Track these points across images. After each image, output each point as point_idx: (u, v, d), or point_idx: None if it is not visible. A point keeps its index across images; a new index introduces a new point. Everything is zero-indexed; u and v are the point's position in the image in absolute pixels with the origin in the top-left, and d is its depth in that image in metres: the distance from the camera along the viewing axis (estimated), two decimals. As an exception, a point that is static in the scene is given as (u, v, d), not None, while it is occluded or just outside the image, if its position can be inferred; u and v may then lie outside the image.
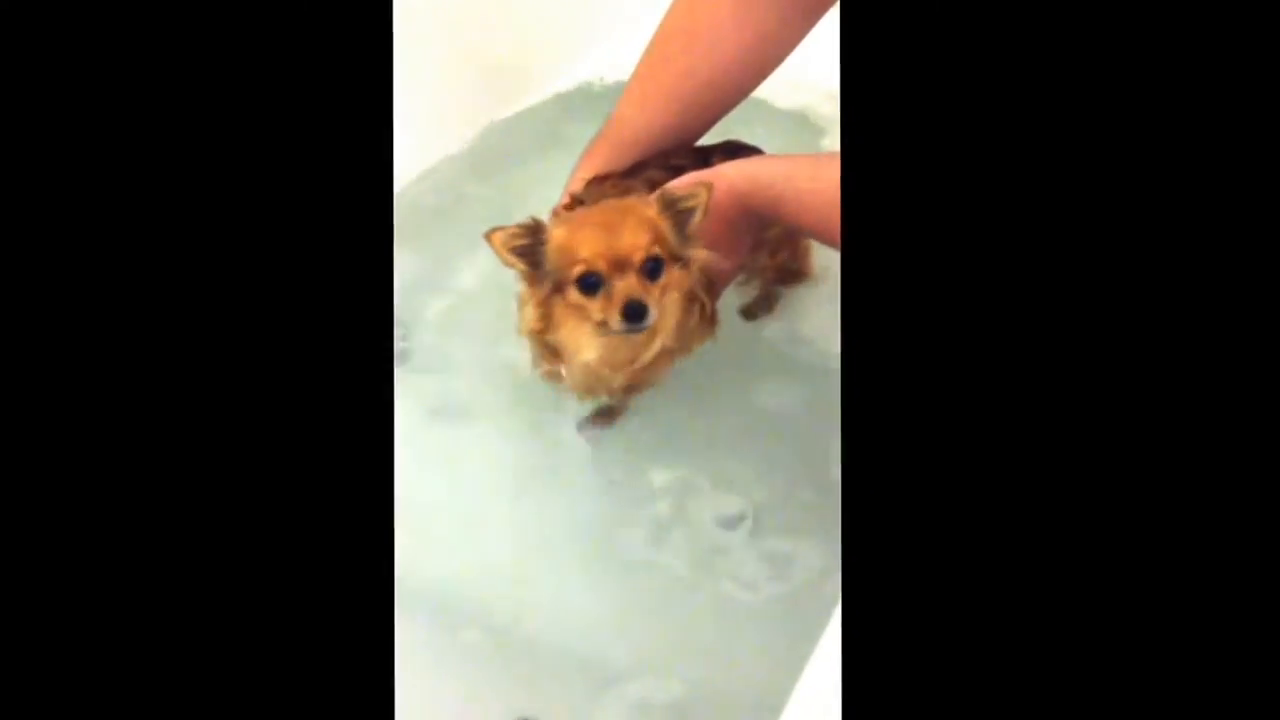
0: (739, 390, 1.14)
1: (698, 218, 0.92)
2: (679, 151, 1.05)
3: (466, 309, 1.26)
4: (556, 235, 0.92)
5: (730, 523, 1.03)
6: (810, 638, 0.63)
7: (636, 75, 1.05)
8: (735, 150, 1.07)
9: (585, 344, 0.96)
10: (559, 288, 0.92)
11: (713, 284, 1.01)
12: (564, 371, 1.04)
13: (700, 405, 1.13)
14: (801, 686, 0.61)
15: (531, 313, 0.96)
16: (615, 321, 0.89)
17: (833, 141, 1.46)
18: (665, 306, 0.93)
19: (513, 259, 0.92)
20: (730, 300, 1.15)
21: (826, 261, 1.20)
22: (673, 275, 0.93)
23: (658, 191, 0.94)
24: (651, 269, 0.90)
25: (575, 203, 1.01)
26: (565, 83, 1.64)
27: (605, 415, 1.13)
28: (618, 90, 1.06)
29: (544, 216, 0.95)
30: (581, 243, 0.90)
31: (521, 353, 1.07)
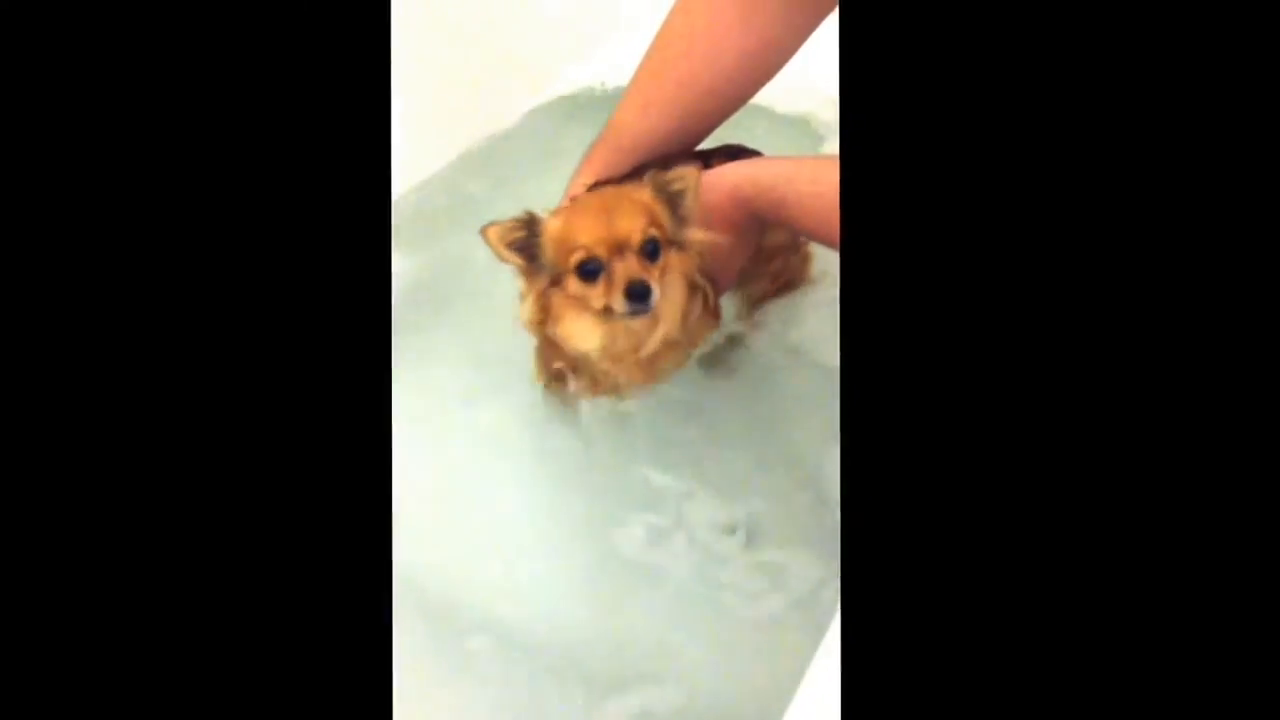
0: (739, 397, 1.14)
1: (689, 199, 0.93)
2: (679, 156, 1.05)
3: (466, 310, 1.26)
4: (552, 226, 0.92)
5: (730, 531, 1.02)
6: (810, 646, 0.63)
7: (636, 80, 1.05)
8: (735, 154, 1.07)
9: (586, 334, 0.96)
10: (556, 280, 0.93)
11: (714, 280, 1.01)
12: (569, 375, 1.04)
13: (700, 412, 1.12)
14: (802, 694, 0.61)
15: (530, 306, 0.96)
16: (619, 304, 0.89)
17: (833, 147, 1.46)
18: (666, 290, 0.93)
19: (509, 254, 0.92)
20: (730, 301, 1.14)
21: (825, 266, 1.20)
22: (671, 258, 0.93)
23: (648, 174, 0.94)
24: (650, 250, 0.91)
25: (575, 207, 1.01)
26: (566, 88, 1.65)
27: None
28: (618, 95, 1.06)
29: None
30: (579, 230, 0.90)
31: (521, 353, 1.07)
